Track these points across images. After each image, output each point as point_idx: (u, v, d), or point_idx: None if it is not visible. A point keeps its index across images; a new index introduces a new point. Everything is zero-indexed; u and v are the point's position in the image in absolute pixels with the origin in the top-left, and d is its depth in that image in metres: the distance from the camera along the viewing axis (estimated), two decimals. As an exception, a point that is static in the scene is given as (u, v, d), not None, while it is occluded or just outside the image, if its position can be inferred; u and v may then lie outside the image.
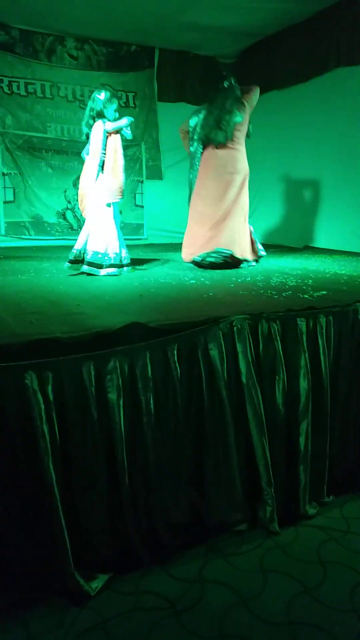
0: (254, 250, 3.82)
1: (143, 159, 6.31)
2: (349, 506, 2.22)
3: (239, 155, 3.72)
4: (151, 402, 1.82)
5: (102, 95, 3.46)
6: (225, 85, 3.68)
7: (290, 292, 2.56)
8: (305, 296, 2.42)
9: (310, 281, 2.92)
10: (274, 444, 2.07)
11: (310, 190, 5.48)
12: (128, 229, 6.36)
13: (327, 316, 2.18)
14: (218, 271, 3.45)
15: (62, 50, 5.79)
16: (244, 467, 2.04)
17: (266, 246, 5.65)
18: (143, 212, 6.39)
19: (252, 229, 3.86)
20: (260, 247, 3.88)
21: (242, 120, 3.68)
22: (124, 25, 5.38)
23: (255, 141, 6.22)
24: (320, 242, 5.32)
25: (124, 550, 1.84)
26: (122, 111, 6.08)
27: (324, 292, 2.51)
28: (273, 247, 5.55)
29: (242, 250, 3.63)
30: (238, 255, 3.56)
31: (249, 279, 3.06)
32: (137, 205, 6.40)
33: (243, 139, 3.78)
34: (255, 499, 2.08)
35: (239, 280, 3.02)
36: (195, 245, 3.64)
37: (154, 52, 6.17)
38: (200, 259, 3.57)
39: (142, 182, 6.37)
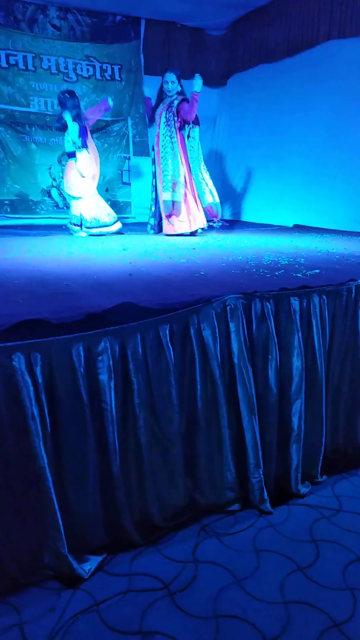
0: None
1: (130, 135, 6.16)
2: (341, 485, 2.23)
3: None
4: (143, 383, 1.78)
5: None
6: None
7: (283, 270, 2.52)
8: (299, 275, 2.38)
9: (303, 260, 2.88)
10: (267, 424, 2.06)
11: (299, 168, 5.40)
12: (115, 208, 6.23)
13: (321, 295, 2.15)
14: (209, 250, 3.39)
15: (44, 20, 5.57)
16: (237, 447, 2.03)
17: (256, 225, 5.61)
18: (130, 190, 6.26)
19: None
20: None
21: None
22: (109, -7, 5.18)
23: (244, 116, 6.15)
24: (310, 220, 5.27)
25: (117, 532, 1.82)
26: (107, 85, 5.94)
27: (317, 271, 2.48)
28: (263, 226, 5.50)
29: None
30: None
31: (241, 257, 3.01)
32: (124, 183, 6.28)
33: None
34: (247, 479, 2.07)
35: (231, 259, 2.96)
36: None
37: (140, 23, 5.97)
38: None
39: (128, 158, 6.23)
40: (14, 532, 1.60)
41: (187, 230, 4.46)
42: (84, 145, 4.36)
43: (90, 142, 4.50)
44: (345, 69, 4.67)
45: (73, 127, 4.32)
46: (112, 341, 1.70)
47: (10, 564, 1.61)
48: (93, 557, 1.74)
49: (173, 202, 4.38)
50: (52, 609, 1.57)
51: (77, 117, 4.35)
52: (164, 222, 4.54)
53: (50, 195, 5.87)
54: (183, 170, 4.41)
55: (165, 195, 4.41)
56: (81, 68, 5.84)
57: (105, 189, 6.16)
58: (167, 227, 4.53)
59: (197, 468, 2.00)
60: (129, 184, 6.26)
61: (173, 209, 4.40)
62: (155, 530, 1.89)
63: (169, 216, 4.46)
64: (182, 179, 4.39)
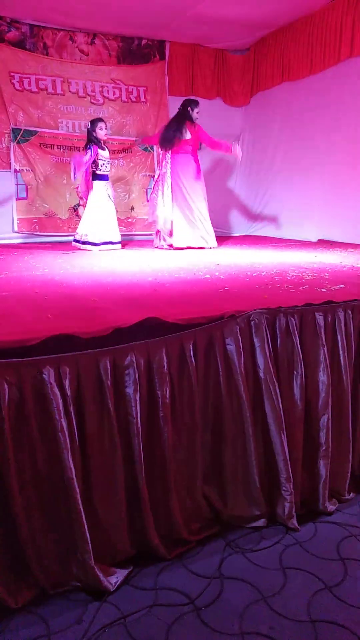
0: None
1: (155, 154, 6.28)
2: (369, 503, 2.19)
3: None
4: (168, 396, 1.81)
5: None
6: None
7: (307, 286, 2.52)
8: (323, 290, 2.38)
9: (327, 275, 2.88)
10: (293, 439, 2.05)
11: (323, 183, 5.41)
12: (139, 225, 6.36)
13: (346, 310, 2.14)
14: (232, 265, 3.42)
15: (72, 46, 5.78)
16: (263, 462, 2.02)
17: (279, 240, 5.63)
18: (155, 207, 6.35)
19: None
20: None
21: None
22: (135, 19, 5.35)
23: (268, 134, 6.21)
24: (334, 235, 5.25)
25: (143, 545, 1.83)
26: (132, 106, 6.11)
27: (342, 286, 2.47)
28: (287, 241, 5.51)
29: None
30: None
31: (264, 273, 3.03)
32: (148, 201, 6.37)
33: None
34: (273, 495, 2.06)
35: (255, 274, 2.98)
36: None
37: (165, 46, 6.13)
38: None
39: (153, 177, 6.34)
40: (42, 543, 1.63)
41: (172, 246, 4.79)
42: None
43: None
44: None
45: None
46: (138, 355, 1.73)
47: (39, 575, 1.64)
48: (119, 570, 1.76)
49: (156, 217, 4.85)
50: (79, 620, 1.59)
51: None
52: (155, 236, 4.99)
53: (77, 214, 6.01)
54: (168, 191, 4.79)
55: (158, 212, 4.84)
56: (108, 90, 6.02)
57: (131, 207, 6.28)
58: (155, 241, 4.99)
59: (223, 482, 2.01)
60: (154, 202, 6.35)
61: (157, 224, 4.89)
62: (181, 545, 1.89)
63: (157, 232, 4.94)
64: (167, 199, 4.78)
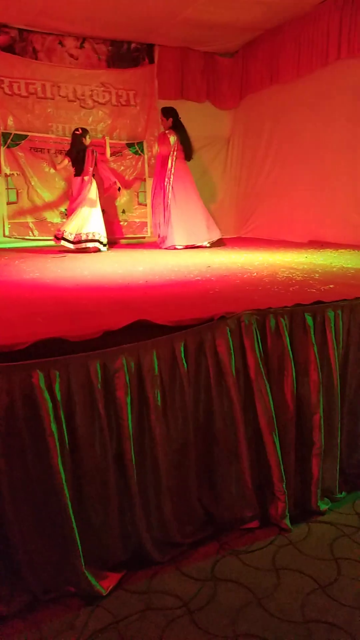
0: None
1: (145, 157, 6.29)
2: (362, 501, 2.20)
3: None
4: (159, 399, 1.80)
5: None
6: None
7: (297, 286, 2.53)
8: (313, 290, 2.39)
9: (317, 275, 2.89)
10: (285, 439, 2.05)
11: (312, 184, 5.43)
12: (132, 227, 6.36)
13: (336, 310, 2.15)
14: (223, 267, 3.43)
15: (62, 50, 5.77)
16: (255, 463, 2.02)
17: (270, 242, 5.65)
18: (146, 210, 6.36)
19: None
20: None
21: None
22: (124, 22, 5.36)
23: (257, 136, 6.24)
24: (324, 235, 5.27)
25: (136, 549, 1.82)
26: (122, 110, 6.11)
27: (331, 286, 2.49)
28: (277, 242, 5.53)
29: None
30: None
31: (255, 274, 3.04)
32: (140, 204, 6.38)
33: None
34: (266, 496, 2.06)
35: (245, 276, 2.99)
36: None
37: (154, 49, 6.14)
38: None
39: (144, 180, 6.35)
40: (34, 548, 1.62)
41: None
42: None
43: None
44: (357, 87, 4.73)
45: None
46: (128, 358, 1.73)
47: (31, 581, 1.62)
48: (112, 574, 1.75)
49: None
50: (72, 626, 1.58)
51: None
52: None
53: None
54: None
55: None
56: (97, 94, 6.02)
57: (122, 210, 6.28)
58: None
59: (215, 484, 2.00)
60: (145, 205, 6.36)
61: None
62: (174, 548, 1.88)
63: None
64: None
